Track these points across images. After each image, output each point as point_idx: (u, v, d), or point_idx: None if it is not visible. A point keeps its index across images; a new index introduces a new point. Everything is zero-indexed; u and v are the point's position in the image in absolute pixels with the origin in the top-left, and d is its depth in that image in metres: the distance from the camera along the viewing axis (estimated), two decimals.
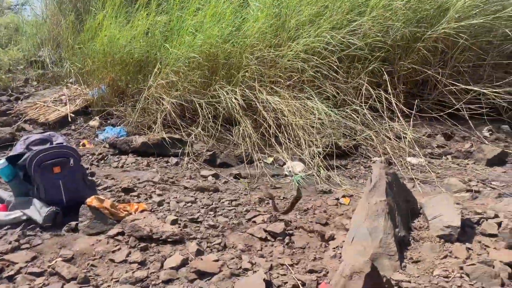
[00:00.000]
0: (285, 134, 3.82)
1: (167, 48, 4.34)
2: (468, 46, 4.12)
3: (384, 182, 2.45)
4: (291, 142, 3.79)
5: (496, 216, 2.39)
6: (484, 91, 3.87)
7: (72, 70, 5.13)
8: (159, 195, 2.82)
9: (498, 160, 3.48)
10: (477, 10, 4.06)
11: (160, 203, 2.68)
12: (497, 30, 4.03)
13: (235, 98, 3.97)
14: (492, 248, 2.16)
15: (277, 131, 3.87)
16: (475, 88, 3.90)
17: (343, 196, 2.93)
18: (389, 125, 3.91)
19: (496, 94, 3.83)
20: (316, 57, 4.08)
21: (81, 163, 2.71)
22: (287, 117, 3.86)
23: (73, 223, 2.35)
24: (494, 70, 4.18)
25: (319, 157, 3.53)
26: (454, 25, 3.98)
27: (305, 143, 3.68)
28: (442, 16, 4.15)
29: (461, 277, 1.96)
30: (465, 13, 4.04)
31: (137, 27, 4.65)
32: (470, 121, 3.93)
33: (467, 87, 3.99)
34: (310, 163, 3.51)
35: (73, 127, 4.43)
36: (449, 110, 4.04)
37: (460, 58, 4.19)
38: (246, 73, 4.15)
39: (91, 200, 2.39)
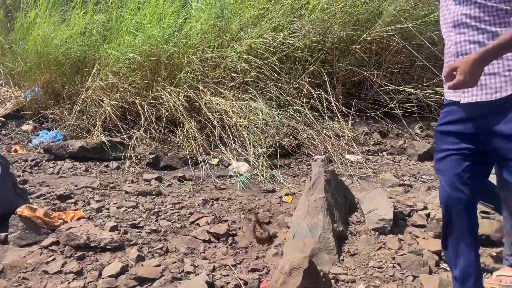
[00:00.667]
0: (230, 135, 3.84)
1: (105, 48, 4.19)
2: (400, 48, 4.38)
3: (323, 180, 2.55)
4: (236, 143, 3.82)
5: (425, 208, 2.57)
6: (415, 91, 4.13)
7: (2, 71, 4.79)
8: (98, 201, 2.73)
9: (428, 156, 3.74)
10: (407, 15, 4.32)
11: (99, 210, 2.59)
12: (425, 33, 4.32)
13: (179, 99, 3.92)
14: (421, 238, 2.32)
15: (222, 132, 3.87)
16: (407, 89, 4.16)
17: (286, 195, 3.00)
18: (329, 124, 4.06)
19: (425, 94, 4.10)
20: (258, 59, 4.14)
21: (10, 171, 2.55)
22: (231, 118, 3.88)
23: (2, 235, 2.21)
24: (424, 71, 4.48)
25: (263, 157, 3.58)
26: (387, 28, 4.21)
27: (250, 144, 3.72)
28: (376, 20, 4.37)
29: (393, 267, 2.08)
30: (397, 18, 4.29)
31: (73, 27, 4.44)
32: (403, 119, 4.18)
33: (399, 87, 4.25)
34: (254, 163, 3.56)
35: (3, 132, 4.15)
36: (384, 109, 4.27)
37: (393, 60, 4.45)
38: (189, 74, 4.12)
39: (22, 210, 2.26)
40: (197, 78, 4.07)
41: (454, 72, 1.41)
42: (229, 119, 3.87)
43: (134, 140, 3.78)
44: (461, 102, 1.55)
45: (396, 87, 4.29)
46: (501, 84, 1.49)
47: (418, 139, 4.12)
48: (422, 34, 4.32)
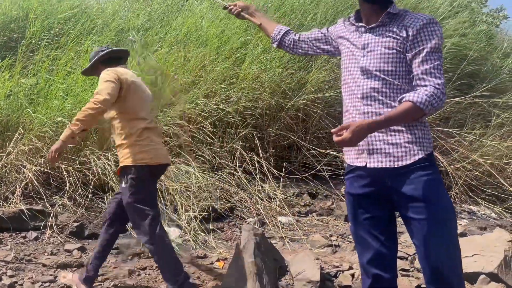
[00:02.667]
0: (162, 200, 3.77)
1: (30, 112, 4.05)
2: (323, 115, 4.73)
3: (252, 244, 2.57)
4: (168, 207, 3.76)
5: (351, 268, 2.67)
6: (339, 154, 4.42)
7: None
8: (10, 276, 2.50)
9: None
10: (329, 85, 4.73)
11: (11, 286, 2.37)
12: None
13: (108, 164, 3.84)
14: None
15: None
16: (332, 152, 4.45)
17: (218, 260, 2.97)
18: (261, 187, 4.16)
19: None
20: (191, 123, 4.24)
21: None
22: (163, 182, 3.85)
23: None
24: None
25: (195, 221, 3.55)
26: (311, 97, 4.57)
27: (182, 208, 3.69)
28: (302, 89, 4.73)
29: None
30: (320, 87, 4.68)
31: None
32: (330, 181, 4.42)
33: (325, 151, 4.52)
34: (186, 228, 3.50)
35: None
36: (312, 171, 4.49)
37: (319, 125, 4.77)
38: None
39: None
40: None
41: (344, 131, 1.58)
42: (161, 183, 3.84)
43: (57, 208, 3.58)
44: (367, 167, 1.72)
45: (323, 151, 4.56)
46: (402, 154, 1.69)
47: (344, 200, 4.34)
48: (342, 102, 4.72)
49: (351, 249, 3.15)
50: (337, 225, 3.76)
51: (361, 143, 1.67)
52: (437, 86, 1.67)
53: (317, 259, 2.75)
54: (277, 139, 4.77)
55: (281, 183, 4.30)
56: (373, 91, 1.75)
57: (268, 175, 4.25)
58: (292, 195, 4.42)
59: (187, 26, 4.92)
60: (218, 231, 3.62)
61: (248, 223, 3.75)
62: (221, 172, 4.12)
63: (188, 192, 3.78)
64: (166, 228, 3.56)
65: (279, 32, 2.17)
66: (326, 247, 3.19)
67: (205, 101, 4.33)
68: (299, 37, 2.13)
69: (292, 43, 2.14)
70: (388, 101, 1.75)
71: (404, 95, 1.69)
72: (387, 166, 1.70)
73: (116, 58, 2.70)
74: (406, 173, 1.67)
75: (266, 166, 4.30)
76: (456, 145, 4.69)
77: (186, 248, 3.21)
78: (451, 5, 5.52)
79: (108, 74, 2.45)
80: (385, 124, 1.66)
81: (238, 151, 4.33)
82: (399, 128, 1.72)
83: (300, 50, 2.15)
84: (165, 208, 3.70)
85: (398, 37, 1.73)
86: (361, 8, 1.87)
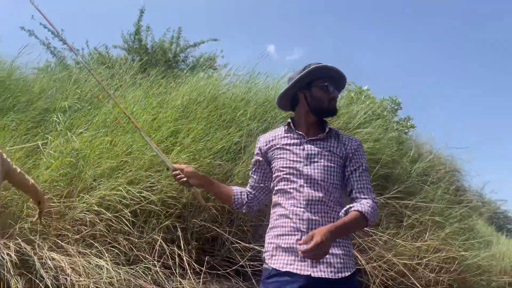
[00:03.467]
0: None
1: None
2: None
3: None
4: None
5: None
6: (262, 249, 4.37)
7: None
8: None
9: None
10: None
11: None
12: None
13: (8, 254, 3.41)
14: None
15: None
16: (256, 246, 4.39)
17: None
18: (180, 283, 3.91)
19: None
20: (110, 211, 4.00)
21: None
22: (69, 276, 3.47)
23: None
24: None
25: None
26: None
27: None
28: (229, 180, 4.77)
29: None
30: (246, 180, 4.75)
31: None
32: (252, 278, 4.28)
33: (249, 245, 4.46)
34: None
35: None
36: (235, 267, 4.35)
37: (244, 218, 4.75)
38: (26, 225, 3.70)
39: None
40: (36, 229, 3.68)
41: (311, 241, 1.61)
42: (66, 277, 3.45)
43: None
44: (312, 276, 1.72)
45: (247, 245, 4.49)
46: (341, 266, 1.76)
47: None
48: None
49: None
50: None
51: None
52: (374, 200, 1.85)
53: None
54: (200, 231, 4.63)
55: (201, 280, 4.08)
56: (318, 200, 1.85)
57: (188, 270, 4.03)
58: None
59: (117, 111, 4.90)
60: None
61: None
62: (137, 266, 3.84)
63: None
64: None
65: (241, 196, 2.21)
66: None
67: (128, 188, 4.17)
68: (250, 194, 2.20)
69: (254, 203, 2.20)
70: (330, 211, 1.85)
71: (350, 205, 1.83)
72: (330, 277, 1.73)
73: None
74: (345, 283, 1.73)
75: (187, 260, 4.10)
76: (372, 243, 4.89)
77: None
78: (366, 113, 6.17)
79: None
80: (342, 232, 1.75)
81: (158, 242, 4.11)
82: (338, 240, 1.79)
83: (262, 203, 2.21)
84: None
85: (338, 153, 1.91)
86: (303, 118, 2.04)
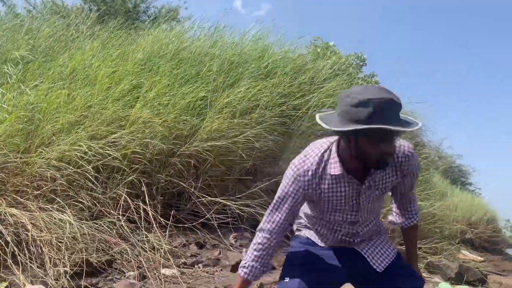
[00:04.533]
0: (27, 253, 3.31)
1: None
2: (215, 163, 4.76)
3: None
4: (34, 261, 3.30)
5: None
6: (229, 202, 4.44)
7: None
8: None
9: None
10: (221, 134, 4.81)
11: None
12: (236, 151, 4.83)
13: None
14: None
15: (17, 250, 3.31)
16: (221, 200, 4.45)
17: None
18: (145, 236, 3.92)
19: (237, 206, 4.44)
20: (71, 166, 3.88)
21: None
22: (30, 232, 3.40)
23: None
24: (237, 184, 4.90)
25: (65, 277, 3.16)
26: (204, 144, 4.58)
27: (50, 262, 3.27)
28: (194, 136, 4.72)
29: None
30: (212, 135, 4.73)
31: None
32: (219, 230, 4.37)
33: (215, 199, 4.50)
34: (53, 285, 3.09)
35: None
36: (201, 220, 4.41)
37: (210, 173, 4.76)
38: None
39: None
40: None
41: None
42: (27, 233, 3.38)
43: None
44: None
45: (213, 199, 4.53)
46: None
47: (232, 249, 4.31)
48: (233, 152, 4.82)
49: None
50: (222, 276, 3.68)
51: None
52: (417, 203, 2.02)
53: None
54: (166, 186, 4.61)
55: (167, 233, 4.11)
56: (368, 224, 1.90)
57: (154, 224, 4.04)
58: (179, 244, 4.25)
59: (74, 63, 4.65)
60: (92, 287, 3.27)
61: (127, 278, 3.47)
62: (101, 221, 3.80)
63: (59, 244, 3.38)
64: (28, 286, 3.10)
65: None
66: None
67: (89, 144, 4.03)
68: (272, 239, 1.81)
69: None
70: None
71: (409, 218, 1.99)
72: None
73: None
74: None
75: (152, 214, 4.10)
76: None
77: None
78: (332, 68, 6.18)
79: None
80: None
81: (123, 197, 4.07)
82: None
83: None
84: (30, 262, 3.24)
85: (393, 178, 1.76)
86: (347, 157, 1.67)
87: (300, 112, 5.71)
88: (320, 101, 5.83)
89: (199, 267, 3.89)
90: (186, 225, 4.38)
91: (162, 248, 3.81)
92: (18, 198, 3.63)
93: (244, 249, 4.34)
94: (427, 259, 5.56)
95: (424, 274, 5.11)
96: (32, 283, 3.14)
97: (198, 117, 4.88)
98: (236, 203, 4.49)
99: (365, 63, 7.88)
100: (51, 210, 3.60)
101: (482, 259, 9.13)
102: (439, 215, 6.60)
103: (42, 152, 3.90)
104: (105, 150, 4.09)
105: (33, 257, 3.30)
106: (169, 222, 4.19)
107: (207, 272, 3.78)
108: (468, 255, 8.61)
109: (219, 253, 4.15)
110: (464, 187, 18.19)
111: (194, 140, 4.67)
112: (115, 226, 3.85)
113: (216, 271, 3.85)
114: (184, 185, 4.58)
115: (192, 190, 4.56)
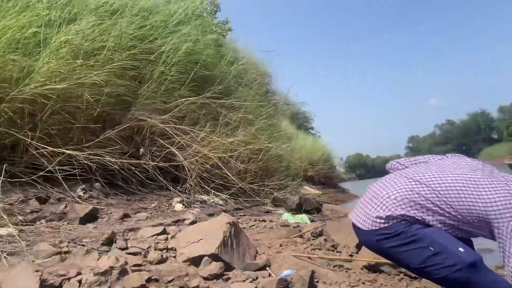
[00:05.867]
0: None
1: None
2: (57, 110, 4.27)
3: None
4: None
5: (79, 273, 2.48)
6: (75, 153, 4.09)
7: None
8: None
9: (90, 217, 3.71)
10: (62, 77, 4.29)
11: None
12: (82, 96, 4.40)
13: None
14: None
15: None
16: (65, 151, 4.06)
17: None
18: None
19: (85, 156, 4.13)
20: None
21: None
22: None
23: None
24: (83, 133, 4.52)
25: None
26: (40, 89, 4.03)
27: None
28: (27, 78, 4.11)
29: None
30: (50, 78, 4.19)
31: None
32: (64, 183, 4.02)
33: (58, 149, 4.09)
34: None
35: None
36: (42, 173, 3.99)
37: (50, 121, 4.27)
38: None
39: None
40: None
41: None
42: None
43: None
44: None
45: (55, 149, 4.11)
46: None
47: (81, 201, 4.05)
48: (78, 98, 4.39)
49: (83, 253, 2.95)
50: (69, 230, 3.45)
51: None
52: None
53: (38, 271, 2.43)
54: None
55: (0, 189, 3.61)
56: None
57: None
58: (16, 201, 3.79)
59: None
60: None
61: None
62: None
63: None
64: None
65: None
66: (54, 256, 2.86)
67: None
68: None
69: None
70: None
71: None
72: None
73: None
74: None
75: None
76: (190, 141, 5.12)
77: None
78: (185, 12, 5.99)
79: None
80: None
81: None
82: None
83: None
84: None
85: None
86: None
87: (153, 56, 5.45)
88: (175, 46, 5.64)
89: (41, 223, 3.57)
90: (24, 180, 3.92)
91: None
92: None
93: (95, 201, 4.12)
94: (273, 194, 6.18)
95: (270, 207, 5.70)
96: None
97: (30, 56, 4.24)
98: (84, 153, 4.17)
99: (219, 8, 7.83)
100: None
101: (320, 192, 10.61)
102: (285, 155, 7.30)
103: None
104: None
105: None
106: (1, 178, 3.68)
107: (52, 227, 3.49)
108: (309, 190, 9.88)
109: (65, 207, 3.85)
110: (307, 131, 20.44)
111: (28, 84, 4.08)
112: None
113: (62, 225, 3.59)
114: (18, 135, 4.03)
115: (29, 140, 4.05)
